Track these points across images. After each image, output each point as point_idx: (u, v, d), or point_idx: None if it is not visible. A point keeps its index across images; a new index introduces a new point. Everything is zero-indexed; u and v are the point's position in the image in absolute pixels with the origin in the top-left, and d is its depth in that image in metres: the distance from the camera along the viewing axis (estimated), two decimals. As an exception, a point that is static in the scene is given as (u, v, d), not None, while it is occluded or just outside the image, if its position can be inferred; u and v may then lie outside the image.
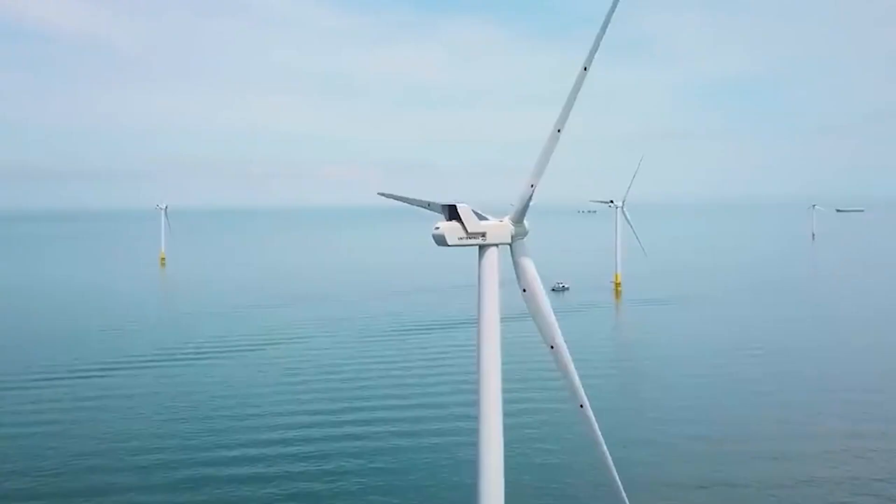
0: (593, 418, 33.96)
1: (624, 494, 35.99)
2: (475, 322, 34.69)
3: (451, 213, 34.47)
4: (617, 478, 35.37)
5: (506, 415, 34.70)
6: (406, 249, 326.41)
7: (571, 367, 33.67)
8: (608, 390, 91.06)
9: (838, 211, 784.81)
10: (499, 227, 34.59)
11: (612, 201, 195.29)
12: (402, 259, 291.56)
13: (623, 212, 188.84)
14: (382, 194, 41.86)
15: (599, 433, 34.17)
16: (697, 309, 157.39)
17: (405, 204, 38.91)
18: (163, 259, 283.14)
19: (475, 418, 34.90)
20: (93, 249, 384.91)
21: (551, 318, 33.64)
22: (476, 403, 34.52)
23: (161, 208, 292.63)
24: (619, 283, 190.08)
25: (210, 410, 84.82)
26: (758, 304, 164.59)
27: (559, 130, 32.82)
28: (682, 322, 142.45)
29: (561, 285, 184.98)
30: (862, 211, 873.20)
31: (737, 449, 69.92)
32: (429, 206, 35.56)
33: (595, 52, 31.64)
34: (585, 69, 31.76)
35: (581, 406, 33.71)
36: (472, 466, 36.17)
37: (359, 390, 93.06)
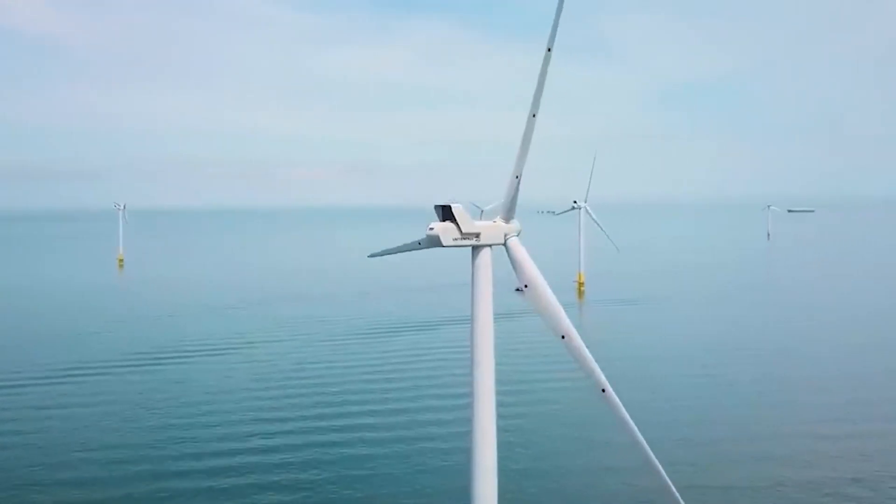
0: (619, 402, 33.04)
1: (673, 488, 34.17)
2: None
3: (445, 213, 34.68)
4: (660, 468, 33.59)
5: (499, 417, 34.62)
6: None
7: (586, 352, 33.29)
8: (575, 392, 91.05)
9: (790, 211, 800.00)
10: (493, 228, 34.95)
11: (575, 202, 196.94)
12: (385, 259, 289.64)
13: (588, 211, 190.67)
14: (373, 255, 43.01)
15: (629, 417, 32.93)
16: (661, 309, 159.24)
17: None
18: (121, 261, 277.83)
19: (468, 421, 34.76)
20: (48, 251, 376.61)
21: (558, 308, 33.76)
22: (469, 406, 34.33)
23: (119, 208, 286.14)
24: (583, 283, 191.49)
25: (176, 418, 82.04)
26: (719, 304, 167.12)
27: (534, 115, 33.08)
28: (646, 322, 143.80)
29: (525, 285, 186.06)
30: (812, 211, 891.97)
31: (717, 450, 70.65)
32: (420, 244, 36.16)
33: (555, 31, 31.62)
34: (549, 50, 31.88)
35: (603, 391, 32.90)
36: (464, 470, 35.99)
37: (338, 394, 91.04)
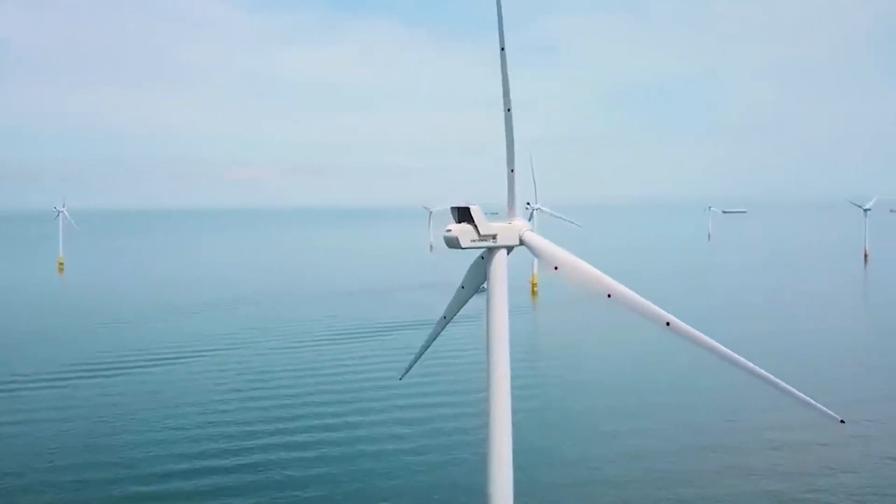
0: (689, 328, 32.30)
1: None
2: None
3: (462, 215, 34.56)
4: (761, 370, 30.70)
5: (515, 425, 34.20)
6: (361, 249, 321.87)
7: (639, 299, 33.24)
8: (534, 399, 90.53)
9: (724, 212, 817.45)
10: (508, 229, 35.06)
11: (528, 203, 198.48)
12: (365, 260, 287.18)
13: (542, 210, 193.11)
14: (404, 375, 45.77)
15: (703, 335, 31.61)
16: (616, 309, 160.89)
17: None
18: (61, 264, 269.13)
19: (483, 424, 34.56)
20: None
21: (596, 272, 34.30)
22: (485, 407, 34.11)
23: (59, 210, 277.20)
24: (535, 284, 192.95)
25: (136, 433, 76.99)
26: (672, 304, 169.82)
27: (509, 110, 33.40)
28: (600, 322, 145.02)
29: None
30: (745, 212, 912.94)
31: (694, 457, 71.44)
32: (445, 317, 37.31)
33: (502, 30, 31.79)
34: (502, 49, 32.21)
35: (668, 324, 32.49)
36: (479, 473, 35.73)
37: (335, 399, 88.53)
